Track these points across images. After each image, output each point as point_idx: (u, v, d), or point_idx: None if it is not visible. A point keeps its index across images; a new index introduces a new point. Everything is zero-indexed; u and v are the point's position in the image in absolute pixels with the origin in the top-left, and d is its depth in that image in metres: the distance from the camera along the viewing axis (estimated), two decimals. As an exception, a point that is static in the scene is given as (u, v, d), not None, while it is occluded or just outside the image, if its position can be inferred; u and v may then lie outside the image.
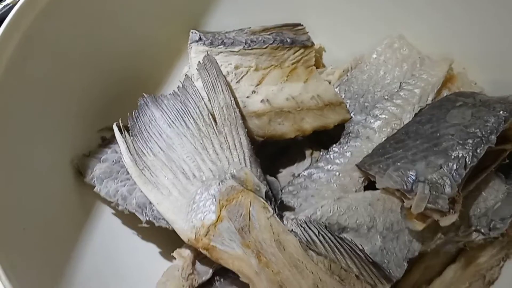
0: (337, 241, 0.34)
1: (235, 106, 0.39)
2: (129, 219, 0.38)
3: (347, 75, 0.46)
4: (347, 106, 0.45)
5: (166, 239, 0.38)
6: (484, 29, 0.43)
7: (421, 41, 0.46)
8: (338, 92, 0.46)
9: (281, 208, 0.39)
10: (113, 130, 0.38)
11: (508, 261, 0.38)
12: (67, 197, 0.37)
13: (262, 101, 0.42)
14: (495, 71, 0.43)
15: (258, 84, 0.44)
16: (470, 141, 0.37)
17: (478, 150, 0.37)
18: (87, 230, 0.38)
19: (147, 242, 0.40)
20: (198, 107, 0.39)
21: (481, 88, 0.44)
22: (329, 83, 0.47)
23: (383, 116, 0.43)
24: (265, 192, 0.36)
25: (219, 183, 0.36)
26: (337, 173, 0.41)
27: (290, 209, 0.39)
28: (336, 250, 0.34)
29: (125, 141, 0.38)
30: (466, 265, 0.38)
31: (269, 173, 0.43)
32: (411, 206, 0.35)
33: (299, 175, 0.42)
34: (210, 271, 0.37)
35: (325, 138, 0.45)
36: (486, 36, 0.43)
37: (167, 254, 0.39)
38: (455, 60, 0.45)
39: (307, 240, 0.34)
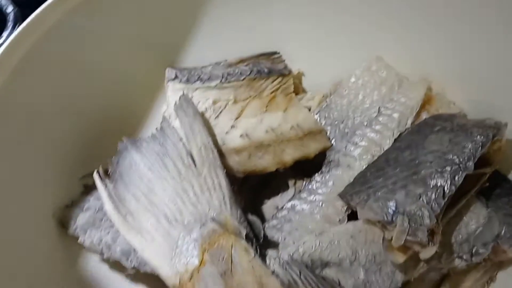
0: (318, 280, 0.35)
1: (213, 146, 0.39)
2: (116, 266, 0.39)
3: (327, 101, 0.46)
4: (328, 133, 0.45)
5: (154, 283, 0.38)
6: (463, 49, 0.43)
7: (400, 62, 0.46)
8: (318, 118, 0.46)
9: (265, 244, 0.39)
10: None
11: (493, 285, 0.39)
12: (51, 253, 0.38)
13: (241, 136, 0.43)
14: (474, 91, 0.43)
15: (237, 118, 0.44)
16: (448, 168, 0.37)
17: (456, 178, 0.37)
18: (74, 283, 0.38)
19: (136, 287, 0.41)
20: (177, 149, 0.39)
21: (460, 109, 0.44)
22: (309, 109, 0.47)
23: (363, 143, 0.43)
24: (246, 234, 0.36)
25: (200, 227, 0.36)
26: (320, 204, 0.41)
27: (274, 244, 0.40)
28: (318, 290, 0.34)
29: (106, 188, 0.38)
30: (451, 291, 0.39)
31: (252, 206, 0.44)
32: (392, 238, 0.36)
33: (282, 207, 0.42)
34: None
35: (308, 166, 0.45)
36: (465, 56, 0.43)
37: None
38: (434, 81, 0.45)
39: (289, 281, 0.35)
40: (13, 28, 0.51)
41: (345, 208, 0.41)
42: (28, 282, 0.35)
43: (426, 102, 0.44)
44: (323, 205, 0.41)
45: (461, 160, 0.37)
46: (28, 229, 0.37)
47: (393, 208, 0.36)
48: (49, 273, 0.37)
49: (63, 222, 0.40)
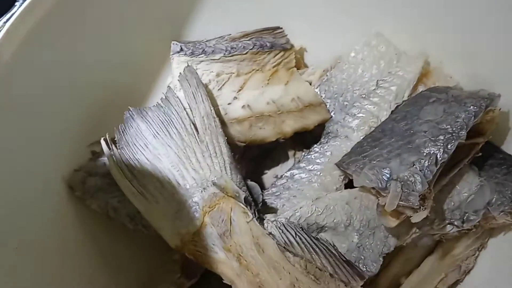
0: (312, 241, 0.36)
1: (215, 115, 0.41)
2: (121, 227, 0.41)
3: (327, 75, 0.48)
4: (327, 106, 0.46)
5: (156, 244, 0.40)
6: (460, 24, 0.44)
7: (399, 37, 0.47)
8: (318, 92, 0.47)
9: (264, 209, 0.41)
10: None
11: (483, 251, 0.40)
12: (60, 212, 0.40)
13: (243, 106, 0.44)
14: (471, 65, 0.44)
15: (239, 90, 0.45)
16: (441, 137, 0.38)
17: (449, 146, 0.38)
18: (83, 241, 0.40)
19: (140, 248, 0.43)
20: (181, 118, 0.41)
21: (456, 82, 0.45)
22: (310, 83, 0.48)
23: (361, 114, 0.44)
24: (244, 198, 0.38)
25: (201, 191, 0.38)
26: (318, 173, 0.43)
27: (273, 210, 0.41)
28: (312, 250, 0.36)
29: (113, 155, 0.40)
30: (442, 256, 0.40)
31: (253, 175, 0.45)
32: (385, 204, 0.37)
33: (282, 176, 0.44)
34: (198, 274, 0.40)
35: (308, 137, 0.46)
36: (462, 31, 0.44)
37: (157, 258, 0.42)
38: (432, 55, 0.46)
39: (285, 241, 0.36)
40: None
41: (342, 177, 0.43)
42: (38, 238, 0.37)
43: (423, 75, 0.45)
44: (321, 174, 0.43)
45: (454, 129, 0.38)
46: (40, 190, 0.38)
47: (387, 175, 0.38)
48: (58, 229, 0.39)
49: (72, 185, 0.42)
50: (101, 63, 0.46)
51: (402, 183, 0.37)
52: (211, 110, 0.41)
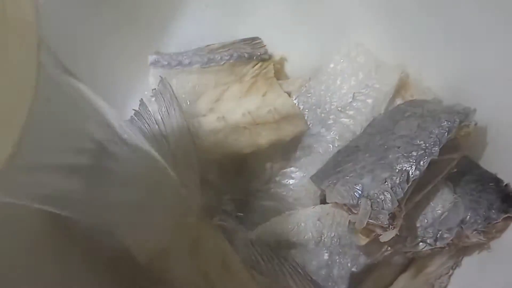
0: (279, 260, 0.36)
1: (187, 130, 0.41)
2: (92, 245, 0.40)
3: (306, 86, 0.47)
4: (306, 118, 0.46)
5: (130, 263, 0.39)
6: (440, 35, 0.43)
7: (380, 47, 0.46)
8: (297, 103, 0.46)
9: (237, 224, 0.40)
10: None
11: (457, 269, 0.39)
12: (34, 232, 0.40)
13: (218, 118, 0.44)
14: (450, 77, 0.43)
15: (216, 101, 0.45)
16: (414, 153, 0.38)
17: (421, 163, 0.37)
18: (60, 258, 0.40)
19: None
20: (153, 132, 0.41)
21: (435, 94, 0.44)
22: (290, 94, 0.47)
23: (336, 128, 0.43)
24: (215, 213, 0.38)
25: (171, 206, 0.38)
26: (293, 187, 0.42)
27: (246, 225, 0.41)
28: (278, 269, 0.35)
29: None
30: (415, 274, 0.39)
31: (229, 188, 0.45)
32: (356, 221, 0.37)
33: (257, 190, 0.43)
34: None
35: (285, 150, 0.46)
36: (443, 43, 0.43)
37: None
38: (412, 66, 0.45)
39: (252, 259, 0.36)
40: None
41: (317, 192, 0.42)
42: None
43: (401, 87, 0.44)
44: (296, 188, 0.42)
45: (427, 145, 0.37)
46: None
47: (359, 192, 0.37)
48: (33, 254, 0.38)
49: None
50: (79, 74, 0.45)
51: (372, 200, 0.36)
52: (183, 124, 0.41)
